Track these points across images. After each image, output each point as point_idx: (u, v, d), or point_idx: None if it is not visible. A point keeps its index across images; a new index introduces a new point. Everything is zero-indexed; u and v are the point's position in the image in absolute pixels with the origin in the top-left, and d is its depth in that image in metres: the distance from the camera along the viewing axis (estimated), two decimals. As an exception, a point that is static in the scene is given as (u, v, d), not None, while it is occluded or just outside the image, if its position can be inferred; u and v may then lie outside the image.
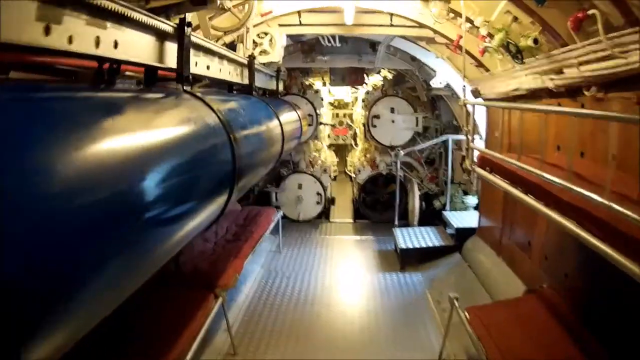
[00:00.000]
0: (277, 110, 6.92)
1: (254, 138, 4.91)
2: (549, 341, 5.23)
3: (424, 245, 10.15)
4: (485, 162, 5.86)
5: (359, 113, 18.78)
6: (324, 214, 14.14)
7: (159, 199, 2.48)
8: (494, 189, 8.79)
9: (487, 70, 7.97)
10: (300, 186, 13.57)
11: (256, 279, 9.44)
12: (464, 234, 10.02)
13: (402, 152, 11.64)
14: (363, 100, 15.83)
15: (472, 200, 11.56)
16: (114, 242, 2.04)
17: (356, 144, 19.50)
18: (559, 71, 5.39)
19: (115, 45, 3.08)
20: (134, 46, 3.36)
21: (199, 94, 3.78)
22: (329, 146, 19.67)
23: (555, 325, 5.47)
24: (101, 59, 3.17)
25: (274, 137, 6.28)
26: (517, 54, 5.90)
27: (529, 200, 4.52)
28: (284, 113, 7.80)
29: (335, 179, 18.17)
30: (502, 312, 6.07)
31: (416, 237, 10.56)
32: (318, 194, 13.55)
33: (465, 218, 10.61)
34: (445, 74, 10.39)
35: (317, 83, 17.25)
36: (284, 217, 13.19)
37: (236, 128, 3.95)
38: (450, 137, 11.36)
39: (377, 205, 14.12)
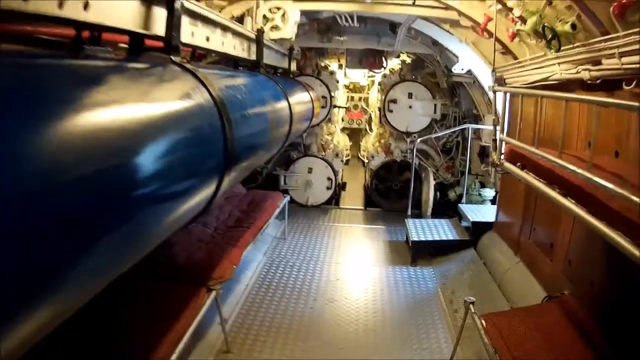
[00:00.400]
0: (286, 90, 6.41)
1: (255, 119, 4.41)
2: (570, 358, 4.78)
3: (437, 238, 9.64)
4: (515, 156, 5.32)
5: (374, 97, 18.23)
6: (334, 200, 13.63)
7: (134, 184, 2.16)
8: (514, 182, 8.29)
9: (515, 57, 7.39)
10: (310, 170, 13.06)
11: (257, 267, 8.98)
12: (480, 229, 9.51)
13: (418, 139, 11.07)
14: (379, 84, 15.22)
15: (489, 193, 11.03)
16: (87, 226, 1.82)
17: (370, 129, 18.97)
18: (597, 62, 4.83)
19: (85, 6, 2.57)
20: (112, 9, 2.86)
21: (189, 66, 3.27)
22: (343, 130, 19.14)
23: (577, 340, 5.00)
24: (80, 26, 2.74)
25: (281, 118, 5.80)
26: (553, 40, 5.33)
27: (560, 199, 4.02)
28: (294, 93, 7.31)
29: (347, 163, 17.65)
30: (521, 321, 5.57)
31: (429, 229, 10.05)
32: (329, 178, 13.05)
33: (482, 212, 10.07)
34: (468, 60, 9.80)
35: (332, 65, 16.69)
36: (292, 201, 12.74)
37: (232, 107, 3.43)
38: (470, 126, 10.77)
39: (389, 193, 13.58)
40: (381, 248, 10.48)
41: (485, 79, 9.85)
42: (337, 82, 14.24)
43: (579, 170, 3.68)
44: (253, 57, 6.43)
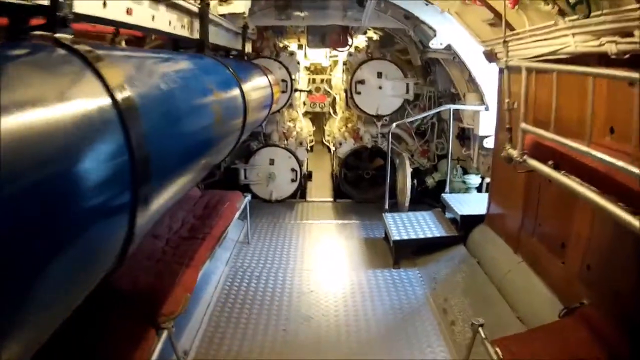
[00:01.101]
0: (239, 75, 5.19)
1: (191, 115, 3.19)
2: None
3: (422, 235, 8.54)
4: (541, 151, 4.23)
5: (338, 78, 17.03)
6: (300, 193, 12.45)
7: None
8: (510, 168, 7.29)
9: (512, 29, 6.30)
10: (272, 162, 11.81)
11: (219, 282, 7.73)
12: (469, 222, 8.44)
13: (394, 124, 9.90)
14: (344, 64, 13.95)
15: (474, 179, 9.99)
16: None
17: (335, 112, 17.77)
18: (627, 33, 3.75)
19: None
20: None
21: (81, 48, 2.02)
22: (305, 114, 17.91)
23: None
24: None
25: (233, 109, 4.65)
26: (579, 5, 4.23)
27: (584, 190, 3.32)
28: (250, 78, 6.14)
29: (311, 149, 16.46)
30: (543, 346, 4.54)
31: (411, 224, 8.94)
32: (293, 170, 11.83)
33: (469, 202, 9.00)
34: (447, 34, 8.71)
35: (292, 45, 15.40)
36: (254, 196, 11.55)
37: (148, 106, 2.22)
38: (452, 107, 9.64)
39: (360, 182, 12.43)
40: (357, 247, 9.34)
41: (468, 54, 8.79)
42: (298, 63, 12.92)
43: (610, 159, 3.13)
44: (196, 35, 5.16)
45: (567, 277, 5.54)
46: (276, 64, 11.76)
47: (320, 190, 13.36)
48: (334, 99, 18.31)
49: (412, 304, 7.34)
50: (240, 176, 11.83)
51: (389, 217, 9.23)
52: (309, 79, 19.03)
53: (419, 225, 8.91)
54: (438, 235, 8.54)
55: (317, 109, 19.10)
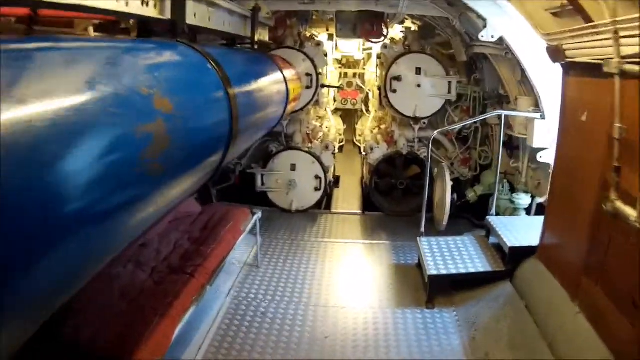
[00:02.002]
0: (227, 70, 3.83)
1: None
2: None
3: (462, 269, 7.06)
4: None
5: (372, 73, 15.50)
6: (325, 202, 11.08)
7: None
8: (575, 190, 5.83)
9: (590, 20, 4.86)
10: (294, 167, 10.44)
11: (215, 319, 6.40)
12: (518, 253, 6.96)
13: (435, 132, 8.37)
14: (379, 57, 12.37)
15: (523, 199, 8.42)
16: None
17: (367, 110, 16.30)
18: None
19: None
20: None
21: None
22: (335, 111, 16.49)
23: None
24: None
25: (205, 114, 3.33)
26: None
27: None
28: (250, 73, 4.80)
29: (341, 150, 15.09)
30: None
31: (450, 253, 7.47)
32: (317, 177, 10.43)
33: (519, 229, 7.47)
34: (500, 25, 7.24)
35: (322, 36, 13.95)
36: (272, 205, 10.25)
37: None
38: (503, 113, 8.08)
39: (392, 192, 10.98)
40: (386, 277, 7.88)
41: (524, 50, 7.31)
42: (326, 55, 11.41)
43: None
44: (166, 15, 3.80)
45: (635, 340, 4.24)
46: (300, 55, 10.31)
47: (348, 198, 11.96)
48: (367, 95, 16.80)
49: (446, 354, 5.95)
50: (257, 182, 10.52)
51: (424, 243, 7.77)
52: (340, 73, 17.51)
53: (459, 254, 7.44)
54: (482, 270, 7.06)
55: (349, 106, 17.52)
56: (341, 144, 15.18)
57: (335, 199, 11.72)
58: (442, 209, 9.07)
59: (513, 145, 9.01)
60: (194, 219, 7.03)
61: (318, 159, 10.40)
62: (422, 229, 8.01)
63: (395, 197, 10.95)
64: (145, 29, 3.96)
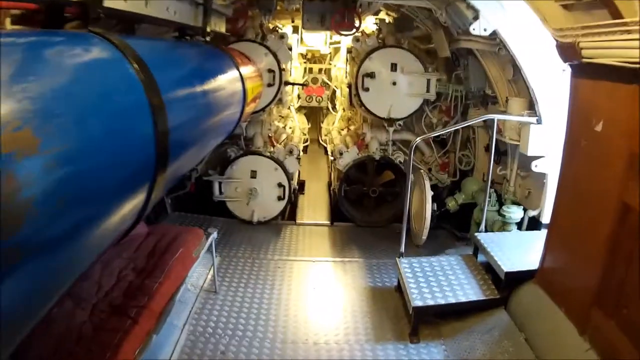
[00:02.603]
0: (152, 66, 2.78)
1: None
2: None
3: (452, 299, 6.08)
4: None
5: (340, 68, 14.45)
6: (289, 211, 10.05)
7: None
8: (586, 211, 4.93)
9: (619, 16, 4.03)
10: (254, 174, 9.35)
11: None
12: (515, 279, 6.07)
13: (417, 139, 7.33)
14: (349, 52, 11.29)
15: (515, 212, 7.49)
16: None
17: (334, 108, 15.28)
18: None
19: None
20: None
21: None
22: (299, 109, 15.43)
23: None
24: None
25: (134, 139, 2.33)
26: None
27: None
28: (189, 70, 3.76)
29: (305, 151, 14.05)
30: None
31: (436, 279, 6.48)
32: (280, 185, 9.37)
33: (512, 248, 6.56)
34: (494, 17, 6.34)
35: (287, 28, 12.85)
36: (232, 216, 9.19)
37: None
38: (497, 117, 7.13)
39: (364, 200, 9.99)
40: (362, 304, 6.84)
41: (521, 46, 6.44)
42: (290, 49, 10.31)
43: None
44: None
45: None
46: (262, 49, 9.19)
47: (315, 206, 10.95)
48: (334, 92, 15.73)
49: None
50: (214, 191, 9.42)
51: (404, 265, 6.78)
52: (305, 69, 16.37)
53: (446, 279, 6.48)
54: (474, 298, 6.12)
55: (314, 103, 16.36)
56: (305, 144, 14.15)
57: (301, 208, 10.70)
58: (421, 220, 8.16)
59: (500, 151, 8.11)
60: (140, 243, 5.91)
61: (281, 164, 9.35)
62: (402, 249, 7.01)
63: (366, 206, 9.96)
64: (55, 15, 2.87)
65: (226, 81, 5.10)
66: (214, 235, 6.41)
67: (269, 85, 9.10)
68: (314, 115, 17.00)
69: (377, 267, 7.91)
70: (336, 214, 10.18)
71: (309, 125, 15.31)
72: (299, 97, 15.19)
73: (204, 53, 5.26)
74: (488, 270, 6.59)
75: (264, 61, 9.00)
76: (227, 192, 9.47)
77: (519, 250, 6.47)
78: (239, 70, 5.82)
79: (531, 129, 6.76)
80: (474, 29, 6.43)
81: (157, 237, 6.02)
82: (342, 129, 12.51)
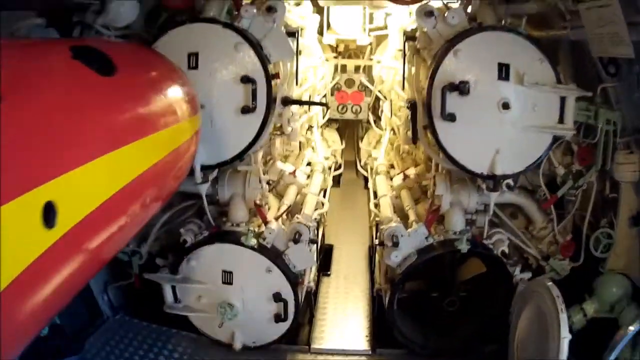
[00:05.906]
0: None
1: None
2: None
3: None
4: None
5: (388, 68, 9.59)
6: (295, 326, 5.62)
7: None
8: None
9: None
10: (228, 277, 4.98)
11: None
12: None
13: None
14: (409, 38, 6.33)
15: None
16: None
17: (377, 122, 10.62)
18: None
19: None
20: None
21: None
22: (327, 124, 10.93)
23: None
24: None
25: None
26: None
27: None
28: None
29: (337, 182, 9.94)
30: None
31: None
32: (277, 297, 4.99)
33: None
34: None
35: (305, 5, 8.15)
36: (201, 334, 5.02)
37: None
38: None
39: (432, 314, 5.48)
40: None
41: None
42: (294, 35, 5.50)
43: None
44: None
45: None
46: (228, 37, 4.64)
47: (345, 309, 6.48)
48: (377, 99, 10.87)
49: None
50: (165, 298, 5.25)
51: None
52: (336, 66, 11.46)
53: None
54: None
55: (349, 115, 11.52)
56: (338, 172, 9.72)
57: (321, 316, 6.20)
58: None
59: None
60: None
61: (278, 261, 4.92)
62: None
63: (436, 323, 5.45)
64: None
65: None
66: None
67: (244, 111, 4.56)
68: (350, 129, 12.29)
69: None
70: (381, 329, 5.70)
71: (343, 146, 10.83)
72: (327, 107, 10.45)
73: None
74: None
75: (230, 63, 4.49)
76: (185, 301, 5.21)
77: None
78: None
79: None
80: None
81: None
82: (392, 166, 8.00)
